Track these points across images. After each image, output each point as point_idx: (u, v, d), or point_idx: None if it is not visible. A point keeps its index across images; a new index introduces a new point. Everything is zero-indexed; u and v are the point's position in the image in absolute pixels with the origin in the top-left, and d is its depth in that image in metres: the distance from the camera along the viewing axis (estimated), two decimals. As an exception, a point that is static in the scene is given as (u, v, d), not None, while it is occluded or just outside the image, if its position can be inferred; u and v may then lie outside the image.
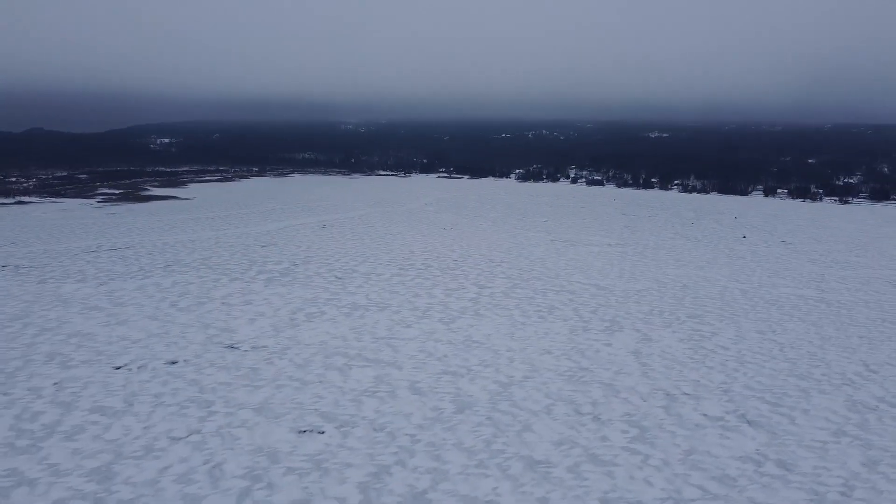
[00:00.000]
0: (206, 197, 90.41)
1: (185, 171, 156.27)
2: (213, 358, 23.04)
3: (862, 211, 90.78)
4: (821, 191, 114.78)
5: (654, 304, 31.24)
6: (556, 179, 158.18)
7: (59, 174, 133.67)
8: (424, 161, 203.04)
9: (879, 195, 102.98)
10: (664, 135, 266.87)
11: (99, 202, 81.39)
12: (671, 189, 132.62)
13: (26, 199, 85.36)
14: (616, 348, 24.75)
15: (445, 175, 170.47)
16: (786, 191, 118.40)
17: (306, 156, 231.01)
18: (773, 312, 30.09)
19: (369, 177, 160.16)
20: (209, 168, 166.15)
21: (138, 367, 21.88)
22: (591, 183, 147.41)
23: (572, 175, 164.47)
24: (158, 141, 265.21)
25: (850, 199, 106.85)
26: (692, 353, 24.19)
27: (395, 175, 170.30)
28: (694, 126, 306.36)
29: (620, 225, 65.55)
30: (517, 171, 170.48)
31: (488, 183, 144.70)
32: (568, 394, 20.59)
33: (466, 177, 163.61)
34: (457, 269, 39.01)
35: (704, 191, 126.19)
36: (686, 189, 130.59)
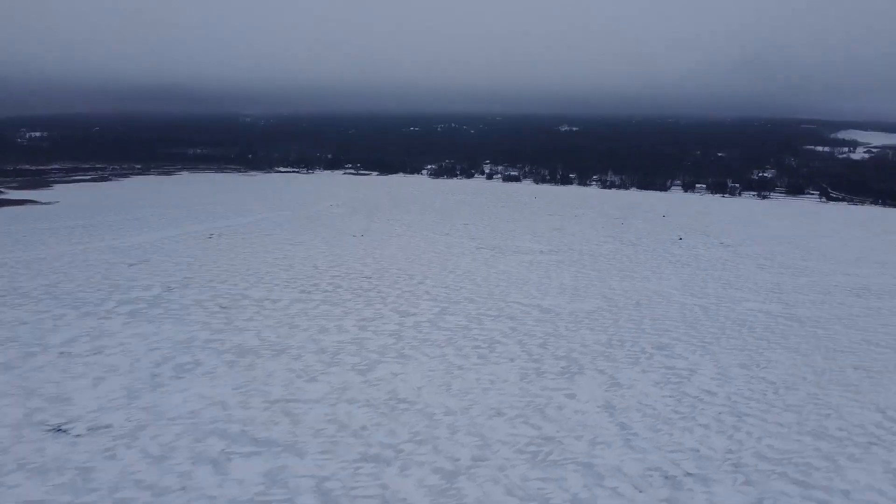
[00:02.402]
0: (72, 201, 78.36)
1: (55, 169, 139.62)
2: (24, 453, 15.39)
3: (783, 207, 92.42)
4: (738, 185, 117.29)
5: (610, 330, 26.40)
6: (470, 175, 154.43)
7: None
8: (329, 156, 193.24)
9: (795, 189, 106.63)
10: (574, 128, 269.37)
11: (-72, 210, 67.89)
12: (590, 185, 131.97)
13: None
14: (582, 401, 19.39)
15: (352, 171, 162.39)
16: (704, 185, 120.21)
17: (198, 151, 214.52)
18: (746, 337, 26.01)
19: (269, 174, 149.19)
20: (84, 166, 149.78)
21: None
22: (507, 179, 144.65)
23: (487, 170, 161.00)
24: (28, 135, 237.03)
25: (768, 193, 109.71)
26: (676, 405, 19.25)
27: (297, 172, 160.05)
28: (601, 119, 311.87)
29: (548, 227, 61.37)
30: (429, 166, 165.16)
31: (399, 180, 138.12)
32: (537, 486, 14.89)
33: (375, 173, 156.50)
34: (372, 289, 32.65)
35: (624, 186, 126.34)
36: (605, 185, 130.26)
